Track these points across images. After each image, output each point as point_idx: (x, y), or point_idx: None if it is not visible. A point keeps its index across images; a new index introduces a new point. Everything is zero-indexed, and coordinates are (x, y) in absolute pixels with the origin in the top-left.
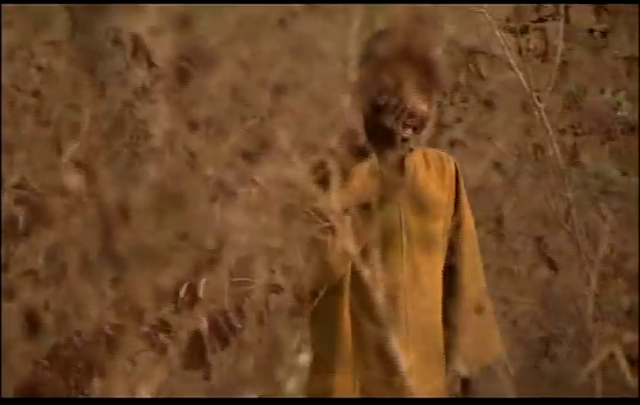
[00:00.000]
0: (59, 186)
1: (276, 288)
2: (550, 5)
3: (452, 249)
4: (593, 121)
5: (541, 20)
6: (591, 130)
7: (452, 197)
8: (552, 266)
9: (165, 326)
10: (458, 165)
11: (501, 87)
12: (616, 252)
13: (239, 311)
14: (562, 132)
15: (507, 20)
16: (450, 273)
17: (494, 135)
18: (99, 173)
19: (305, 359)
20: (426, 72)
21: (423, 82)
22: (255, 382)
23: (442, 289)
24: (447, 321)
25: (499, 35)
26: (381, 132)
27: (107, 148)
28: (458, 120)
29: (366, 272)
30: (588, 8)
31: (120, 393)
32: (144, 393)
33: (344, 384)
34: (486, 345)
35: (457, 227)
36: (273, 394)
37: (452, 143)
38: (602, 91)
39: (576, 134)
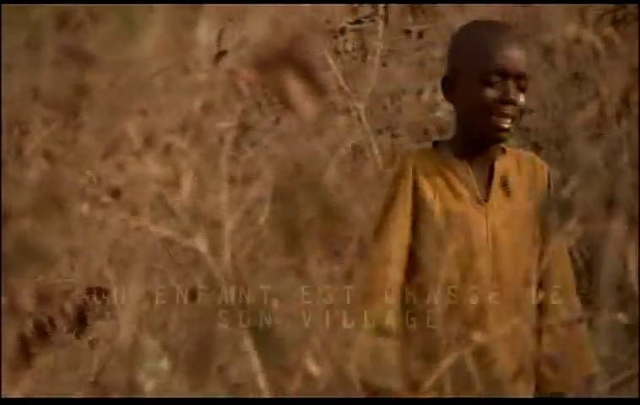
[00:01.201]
0: None
1: (100, 290)
2: (367, 5)
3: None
4: (411, 122)
5: (359, 22)
6: (408, 130)
7: (536, 206)
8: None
9: None
10: (549, 171)
11: None
12: None
13: (62, 312)
14: (380, 132)
15: (327, 22)
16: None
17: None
18: None
19: (165, 364)
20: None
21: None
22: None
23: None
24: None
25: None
26: (478, 128)
27: None
28: (277, 121)
29: (216, 272)
30: (406, 8)
31: None
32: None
33: None
34: (577, 363)
35: (545, 237)
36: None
37: (254, 144)
38: (420, 92)
39: (393, 135)
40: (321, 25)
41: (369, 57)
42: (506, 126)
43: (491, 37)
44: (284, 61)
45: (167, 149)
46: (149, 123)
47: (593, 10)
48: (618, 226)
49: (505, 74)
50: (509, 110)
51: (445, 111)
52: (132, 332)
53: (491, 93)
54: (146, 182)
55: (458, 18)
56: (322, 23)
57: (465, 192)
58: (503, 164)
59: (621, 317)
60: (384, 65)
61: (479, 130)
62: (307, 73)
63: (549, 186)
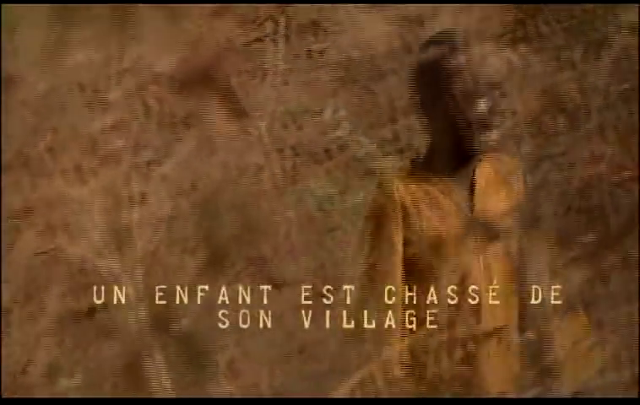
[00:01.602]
0: None
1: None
2: (268, 23)
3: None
4: (311, 141)
5: (259, 40)
6: (309, 149)
7: (516, 200)
8: (275, 285)
9: None
10: (520, 165)
11: None
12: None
13: None
14: (281, 151)
15: (227, 40)
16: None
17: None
18: None
19: (74, 382)
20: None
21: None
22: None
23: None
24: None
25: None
26: (467, 143)
27: None
28: (178, 139)
29: (128, 290)
30: (308, 27)
31: None
32: None
33: None
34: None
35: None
36: None
37: (157, 163)
38: (321, 111)
39: (295, 154)
40: (231, 44)
41: (269, 76)
42: (495, 138)
43: (464, 47)
44: (200, 81)
45: (77, 169)
46: (59, 142)
47: (500, 25)
48: (531, 243)
49: (488, 82)
50: (497, 121)
51: (345, 130)
52: (47, 349)
53: (481, 106)
54: (57, 202)
55: (359, 36)
56: (229, 41)
57: (449, 207)
58: (483, 173)
59: (530, 335)
60: (285, 84)
61: (467, 145)
62: (225, 93)
63: (521, 179)
